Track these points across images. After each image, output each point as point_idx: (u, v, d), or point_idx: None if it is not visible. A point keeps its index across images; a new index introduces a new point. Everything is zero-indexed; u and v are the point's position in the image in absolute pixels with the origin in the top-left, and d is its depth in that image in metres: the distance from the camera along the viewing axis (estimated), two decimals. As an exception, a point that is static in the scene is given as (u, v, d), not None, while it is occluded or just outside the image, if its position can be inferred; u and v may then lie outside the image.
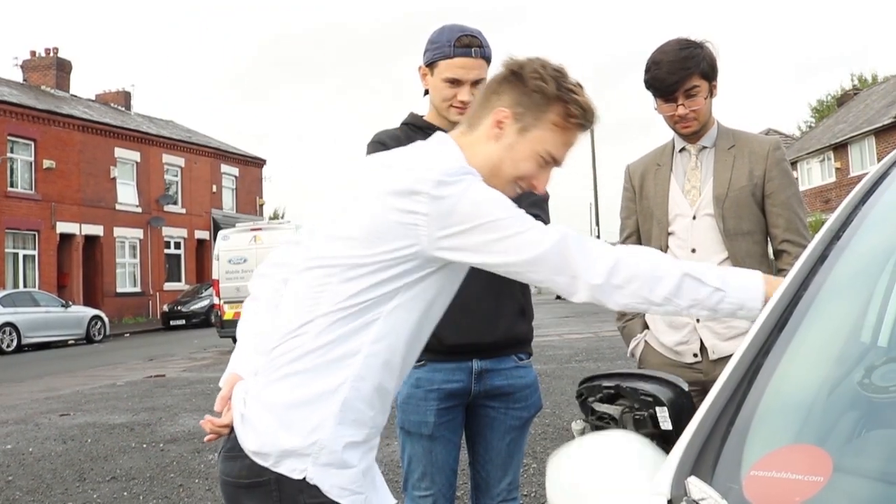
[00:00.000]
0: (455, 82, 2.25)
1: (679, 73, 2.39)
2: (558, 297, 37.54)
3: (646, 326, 2.63)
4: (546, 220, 2.30)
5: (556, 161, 1.58)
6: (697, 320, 2.44)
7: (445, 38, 2.24)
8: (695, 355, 2.47)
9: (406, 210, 1.44)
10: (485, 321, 2.26)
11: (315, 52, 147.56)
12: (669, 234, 2.53)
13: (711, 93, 2.45)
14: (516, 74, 1.56)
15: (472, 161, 1.56)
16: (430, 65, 2.28)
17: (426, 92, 2.37)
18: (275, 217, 46.07)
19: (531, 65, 1.55)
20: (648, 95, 2.51)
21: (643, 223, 2.63)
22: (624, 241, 2.72)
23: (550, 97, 1.53)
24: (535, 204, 2.29)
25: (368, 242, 1.47)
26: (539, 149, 1.55)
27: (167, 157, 31.87)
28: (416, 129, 2.39)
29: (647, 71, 2.45)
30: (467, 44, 2.23)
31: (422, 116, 2.43)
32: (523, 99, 1.54)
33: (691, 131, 2.48)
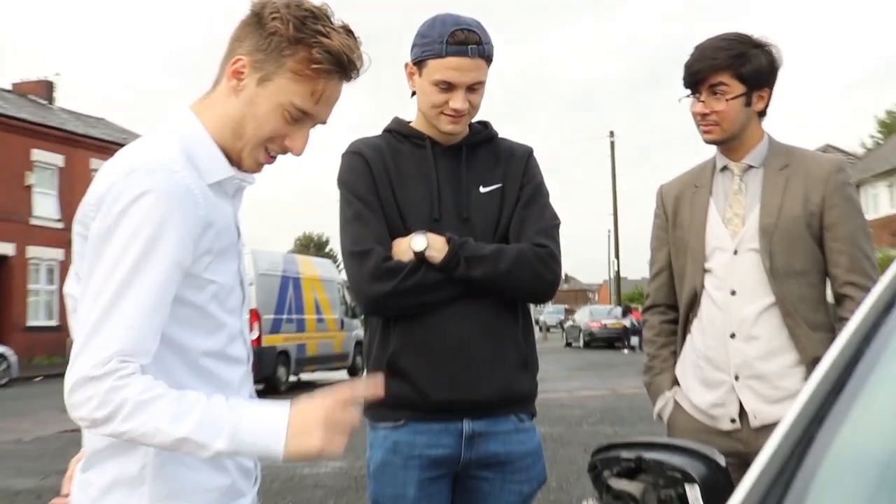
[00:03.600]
0: (447, 86, 2.26)
1: (704, 62, 2.47)
2: (568, 345, 37.57)
3: (676, 383, 2.63)
4: (555, 251, 2.30)
5: (307, 115, 1.62)
6: (736, 377, 2.45)
7: (437, 33, 2.26)
8: (732, 420, 2.47)
9: None
10: (479, 373, 2.26)
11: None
12: (706, 271, 2.54)
13: (750, 101, 2.49)
14: (257, 16, 1.60)
15: (210, 125, 1.61)
16: (419, 63, 2.30)
17: (413, 93, 2.39)
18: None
19: (274, 4, 1.60)
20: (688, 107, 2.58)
21: (676, 257, 2.65)
22: (654, 277, 2.74)
23: (290, 40, 1.57)
24: (542, 232, 2.31)
25: None
26: (282, 100, 1.58)
27: (96, 163, 31.88)
28: (401, 137, 2.41)
29: None
30: (462, 40, 2.24)
31: (408, 122, 2.45)
32: (262, 44, 1.58)
33: (712, 139, 2.53)
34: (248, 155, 1.63)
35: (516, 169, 2.41)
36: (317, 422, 1.49)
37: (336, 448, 1.50)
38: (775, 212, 2.46)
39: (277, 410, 1.50)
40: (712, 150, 2.64)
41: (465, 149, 2.39)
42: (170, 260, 1.47)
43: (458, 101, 2.27)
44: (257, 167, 1.66)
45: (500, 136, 2.50)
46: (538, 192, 2.40)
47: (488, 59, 2.31)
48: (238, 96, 1.60)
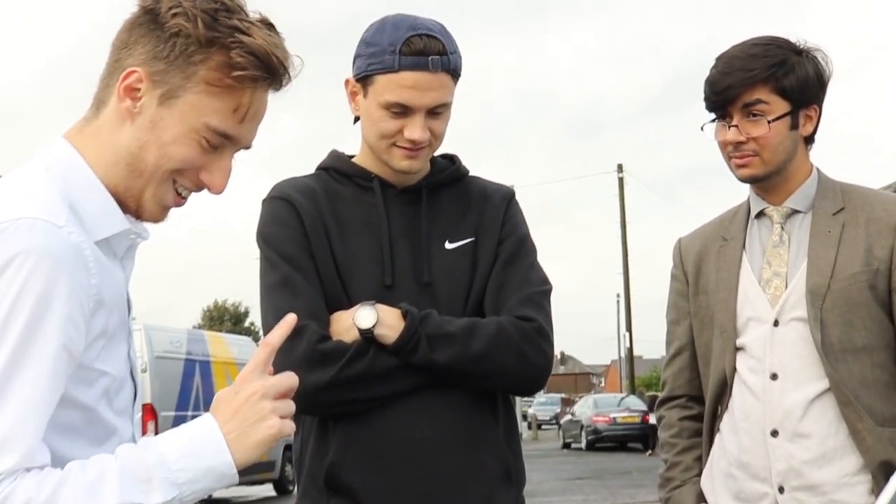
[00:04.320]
0: (402, 110, 2.27)
1: (737, 74, 2.47)
2: (566, 446, 37.33)
3: (702, 498, 2.63)
4: (546, 325, 2.30)
5: (229, 138, 1.62)
6: (780, 489, 2.45)
7: (387, 40, 2.27)
8: (778, 551, 2.46)
9: None
10: (447, 488, 2.25)
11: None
12: (738, 349, 2.55)
13: (797, 123, 2.52)
14: (151, 13, 1.59)
15: (96, 161, 1.60)
16: (364, 79, 2.32)
17: (357, 119, 2.41)
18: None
19: None
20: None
21: (699, 332, 2.66)
22: (672, 359, 2.75)
23: (200, 42, 1.56)
24: (528, 300, 2.31)
25: None
26: (195, 122, 1.58)
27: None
28: (341, 177, 2.41)
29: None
30: (421, 49, 2.26)
31: (350, 157, 2.46)
32: (162, 49, 1.57)
33: (751, 174, 2.54)
34: (151, 197, 1.61)
35: (493, 217, 2.42)
36: (251, 405, 1.53)
37: (288, 422, 1.56)
38: (828, 269, 2.47)
39: (199, 422, 1.53)
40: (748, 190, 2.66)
41: (426, 192, 2.40)
42: (57, 346, 1.44)
43: (415, 130, 2.28)
44: (162, 213, 1.65)
45: (472, 174, 2.52)
46: (522, 248, 2.41)
47: (455, 73, 2.33)
48: (134, 121, 1.59)
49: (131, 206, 1.63)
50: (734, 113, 2.50)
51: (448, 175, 2.45)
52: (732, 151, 2.53)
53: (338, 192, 2.40)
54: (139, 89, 1.58)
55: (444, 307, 2.30)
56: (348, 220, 2.36)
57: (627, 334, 43.38)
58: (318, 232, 2.32)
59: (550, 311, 2.37)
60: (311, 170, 2.49)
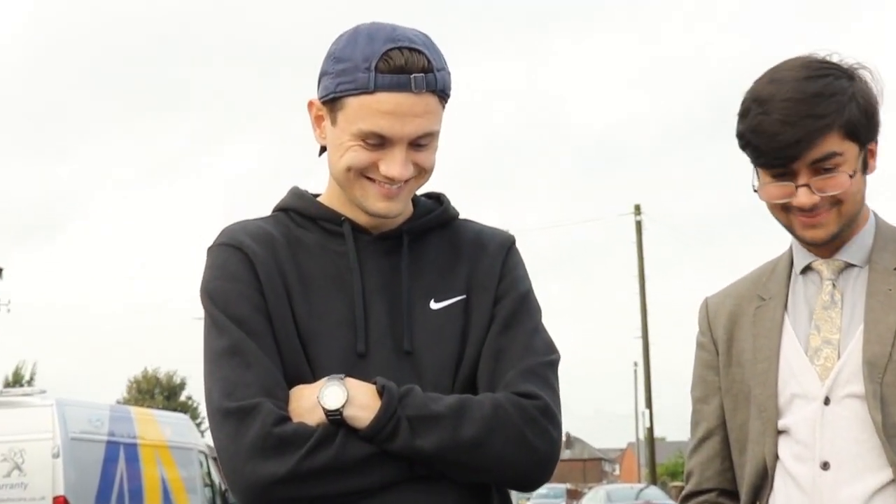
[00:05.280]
0: (378, 140, 2.27)
1: (805, 125, 2.41)
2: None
3: None
4: (552, 403, 2.30)
5: None
6: None
7: (360, 54, 2.27)
8: None
9: None
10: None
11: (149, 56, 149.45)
12: (780, 432, 2.55)
13: (867, 165, 2.53)
14: None
15: None
16: (332, 101, 2.32)
17: (323, 150, 2.41)
18: (16, 381, 46.14)
19: None
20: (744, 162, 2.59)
21: (733, 412, 2.66)
22: (699, 445, 2.75)
23: None
24: (531, 373, 2.31)
25: None
26: None
27: None
28: (304, 220, 2.42)
29: (743, 115, 2.51)
30: (401, 66, 2.26)
31: (315, 196, 2.46)
32: None
33: (823, 237, 2.53)
34: None
35: (488, 270, 2.42)
36: None
37: None
38: (889, 336, 2.47)
39: None
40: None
41: (408, 239, 2.40)
42: None
43: (394, 165, 2.28)
44: None
45: (464, 216, 2.53)
46: (524, 308, 2.40)
47: (443, 94, 2.33)
48: None
49: None
50: (801, 170, 2.44)
51: (434, 218, 2.45)
52: (800, 214, 2.48)
53: (300, 238, 2.40)
54: None
55: (428, 381, 2.29)
56: (313, 272, 2.35)
57: (647, 411, 43.36)
58: (277, 287, 2.31)
59: (558, 386, 2.36)
60: (269, 210, 2.49)
